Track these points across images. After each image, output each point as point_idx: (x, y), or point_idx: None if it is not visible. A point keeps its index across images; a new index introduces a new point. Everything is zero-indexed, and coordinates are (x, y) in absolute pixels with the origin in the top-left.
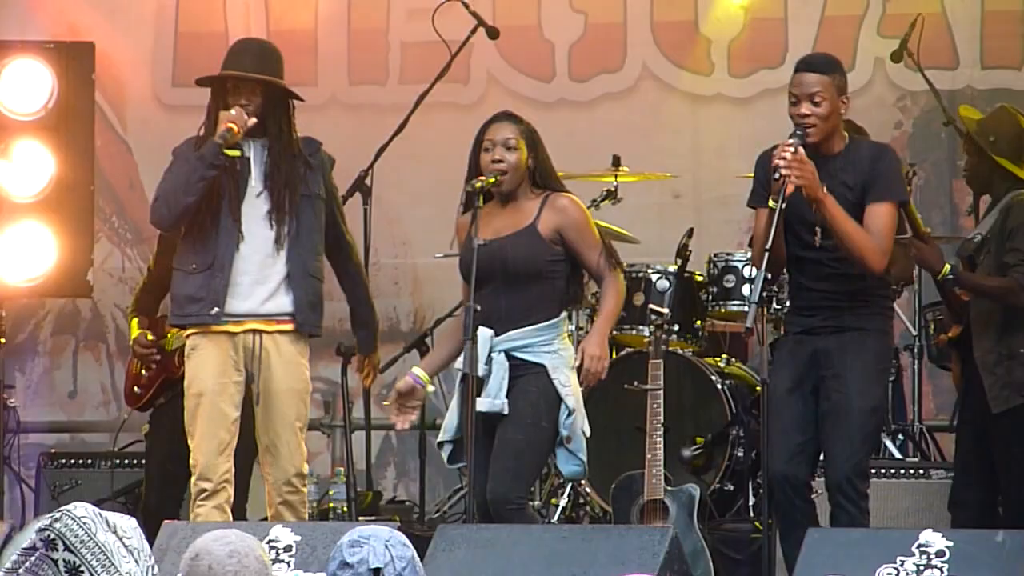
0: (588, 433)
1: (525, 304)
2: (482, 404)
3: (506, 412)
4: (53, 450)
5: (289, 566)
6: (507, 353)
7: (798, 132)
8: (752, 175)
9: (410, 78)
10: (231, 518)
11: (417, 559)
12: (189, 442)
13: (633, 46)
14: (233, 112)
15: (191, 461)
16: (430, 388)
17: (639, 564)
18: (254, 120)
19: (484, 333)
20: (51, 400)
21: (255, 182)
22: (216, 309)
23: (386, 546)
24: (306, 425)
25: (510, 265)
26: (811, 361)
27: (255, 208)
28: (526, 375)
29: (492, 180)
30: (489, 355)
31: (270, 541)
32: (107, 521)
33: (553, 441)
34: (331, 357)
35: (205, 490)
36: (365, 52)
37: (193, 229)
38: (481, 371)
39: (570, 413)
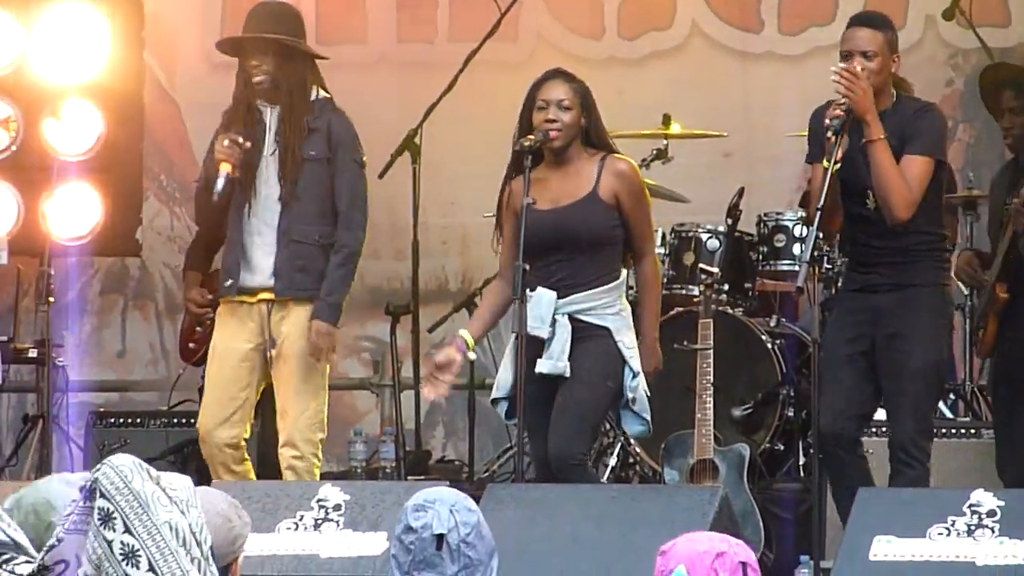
0: (649, 393)
1: (589, 268)
2: (543, 365)
3: (568, 375)
4: (102, 409)
5: (338, 525)
6: (570, 316)
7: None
8: (805, 133)
9: (459, 36)
10: (246, 473)
11: (483, 523)
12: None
13: (683, 4)
14: (225, 144)
15: (197, 423)
16: (471, 356)
17: (688, 524)
18: (248, 144)
19: (547, 295)
20: (100, 359)
21: (268, 147)
22: (230, 281)
23: (451, 511)
24: (320, 388)
25: (576, 235)
26: (869, 319)
27: (268, 178)
28: (591, 337)
29: (537, 140)
30: (553, 317)
31: (319, 500)
32: (149, 472)
33: (616, 401)
34: (380, 316)
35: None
36: (414, 10)
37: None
38: (545, 332)
39: (635, 375)
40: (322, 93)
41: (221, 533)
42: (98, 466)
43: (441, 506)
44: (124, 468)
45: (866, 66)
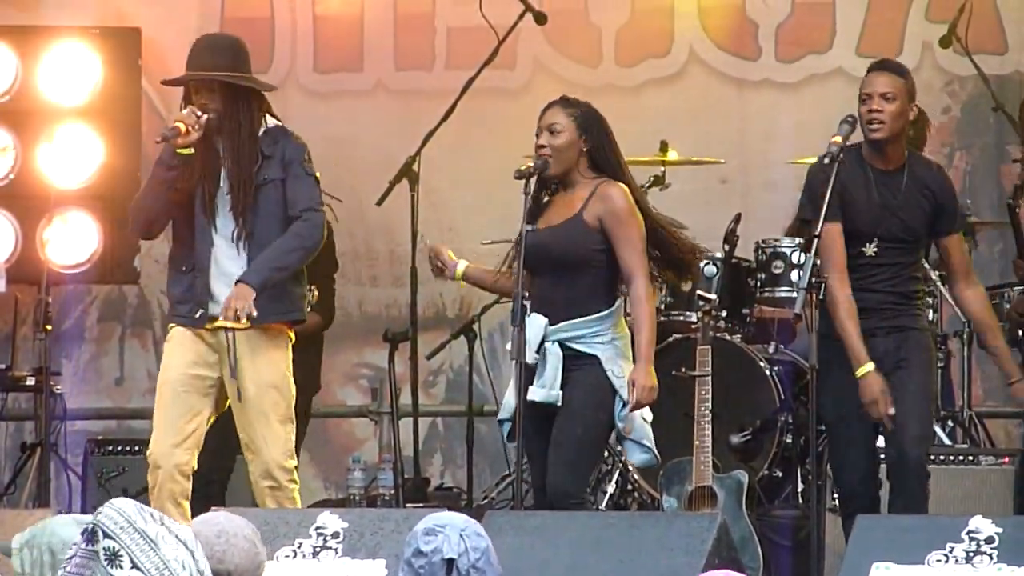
0: (649, 419)
1: (577, 294)
2: (536, 394)
3: (559, 404)
4: (100, 437)
5: (337, 552)
6: (561, 343)
7: (848, 119)
8: (801, 160)
9: (456, 63)
10: (187, 512)
11: (492, 549)
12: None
13: (680, 31)
14: (184, 111)
15: (148, 450)
16: (459, 273)
17: (687, 551)
18: (205, 117)
19: (538, 320)
20: (98, 387)
21: (224, 181)
22: (201, 312)
23: (461, 536)
24: (287, 418)
25: (554, 254)
26: (874, 363)
27: (224, 207)
28: (580, 368)
29: (536, 167)
30: (542, 343)
31: (318, 528)
32: (152, 514)
33: (609, 432)
34: (378, 343)
35: (161, 474)
36: (411, 37)
37: (182, 228)
38: (531, 359)
39: (624, 404)
40: (273, 121)
41: (248, 557)
42: (99, 510)
43: (451, 531)
44: (126, 509)
45: (885, 108)
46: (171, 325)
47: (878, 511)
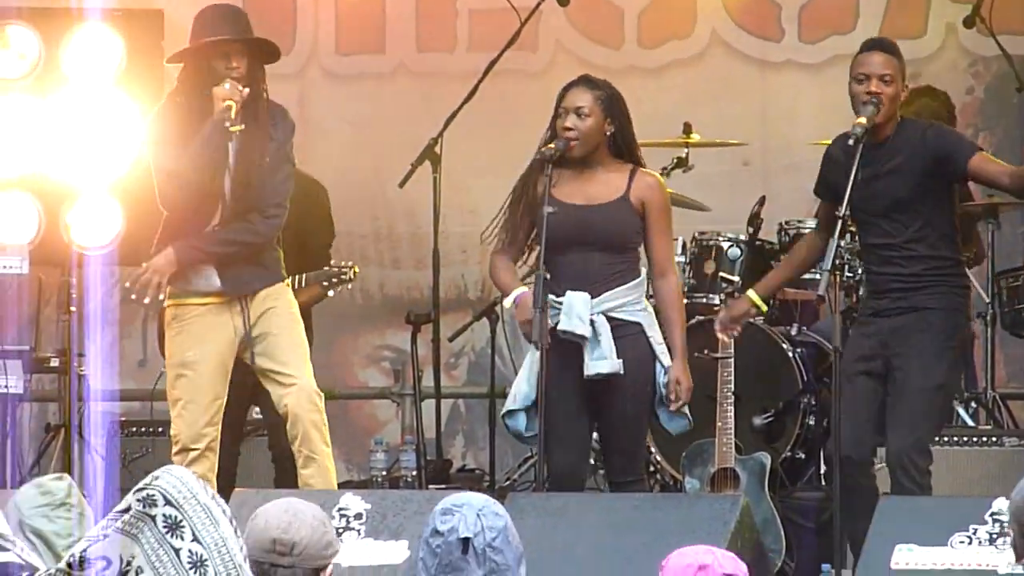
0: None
1: (616, 267)
2: (601, 366)
3: (622, 372)
4: (124, 418)
5: (359, 534)
6: (605, 314)
7: (873, 101)
8: (825, 141)
9: (478, 45)
10: (213, 486)
11: (511, 528)
12: (170, 409)
13: (703, 12)
14: (227, 87)
15: (172, 430)
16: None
17: (709, 532)
18: (247, 90)
19: (580, 296)
20: (122, 368)
21: (232, 150)
22: (215, 279)
23: (478, 515)
24: (307, 350)
25: (605, 234)
26: (881, 343)
27: (231, 177)
28: (625, 336)
29: (558, 149)
30: (590, 318)
31: (340, 509)
32: (207, 487)
33: (653, 402)
34: (400, 325)
35: (193, 455)
36: (433, 19)
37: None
38: (587, 331)
39: (666, 371)
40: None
41: (316, 536)
42: (155, 474)
43: (468, 510)
44: (187, 480)
45: (884, 90)
46: (171, 303)
47: (870, 485)
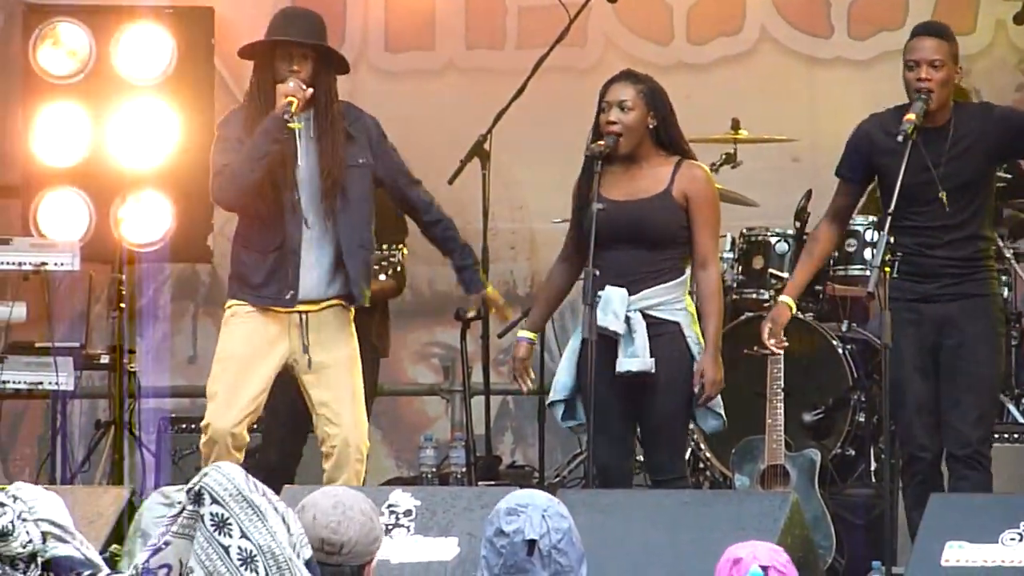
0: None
1: (659, 265)
2: (632, 363)
3: (653, 371)
4: (174, 415)
5: (409, 530)
6: (642, 312)
7: (922, 97)
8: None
9: (527, 42)
10: None
11: (574, 528)
12: (208, 404)
13: (751, 8)
14: (291, 84)
15: (203, 421)
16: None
17: (759, 529)
18: (311, 91)
19: (619, 292)
20: (171, 365)
21: (304, 158)
22: (292, 292)
23: (543, 516)
24: (361, 394)
25: (647, 229)
26: (934, 329)
27: (306, 184)
28: (663, 334)
29: (607, 147)
30: (626, 314)
31: (390, 506)
32: (255, 483)
33: (692, 401)
34: (449, 322)
35: (217, 449)
36: (482, 16)
37: (260, 207)
38: (621, 327)
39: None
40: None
41: (364, 531)
42: (204, 471)
43: (534, 511)
44: (234, 476)
45: (934, 76)
46: (231, 303)
47: (939, 479)
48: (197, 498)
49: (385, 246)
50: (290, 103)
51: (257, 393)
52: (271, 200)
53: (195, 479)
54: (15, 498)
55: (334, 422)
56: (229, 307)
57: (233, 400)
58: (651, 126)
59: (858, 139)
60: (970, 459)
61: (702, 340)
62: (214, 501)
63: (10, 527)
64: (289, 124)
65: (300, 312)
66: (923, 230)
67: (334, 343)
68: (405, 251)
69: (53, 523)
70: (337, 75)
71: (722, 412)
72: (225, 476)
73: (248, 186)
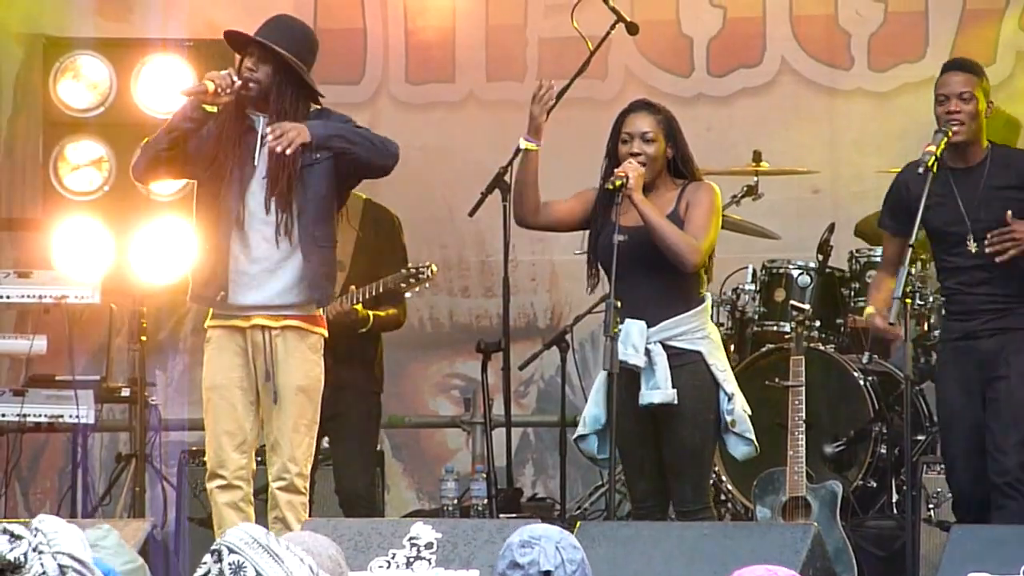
0: (749, 411)
1: (674, 292)
2: (653, 396)
3: (676, 402)
4: (194, 448)
5: (430, 563)
6: (662, 343)
7: (942, 129)
8: (894, 169)
9: (548, 74)
10: (250, 516)
11: (586, 561)
12: (206, 434)
13: (772, 40)
14: (222, 72)
15: (207, 453)
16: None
17: (781, 562)
18: (239, 83)
19: (637, 325)
20: (192, 398)
21: (259, 161)
22: (222, 293)
23: (557, 548)
24: (312, 423)
25: (652, 254)
26: (977, 366)
27: (260, 190)
28: (684, 364)
29: (625, 181)
30: (646, 347)
31: (411, 538)
32: (279, 540)
33: (717, 430)
34: (470, 354)
35: (220, 482)
36: (503, 48)
37: (204, 207)
38: (641, 361)
39: (730, 397)
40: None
41: None
42: (225, 532)
43: (547, 543)
44: (252, 528)
45: (963, 108)
46: (208, 324)
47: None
48: (218, 556)
49: (421, 263)
50: (202, 87)
51: (246, 421)
52: (216, 202)
53: (217, 540)
54: (36, 530)
55: (274, 451)
56: (206, 325)
57: (221, 433)
58: (669, 156)
59: (896, 190)
60: (1008, 486)
61: (727, 367)
62: (231, 551)
63: (22, 559)
64: (203, 106)
65: (261, 328)
66: (962, 270)
67: (291, 368)
68: (434, 269)
69: (72, 557)
70: (310, 99)
71: (753, 439)
72: (242, 529)
73: (154, 158)
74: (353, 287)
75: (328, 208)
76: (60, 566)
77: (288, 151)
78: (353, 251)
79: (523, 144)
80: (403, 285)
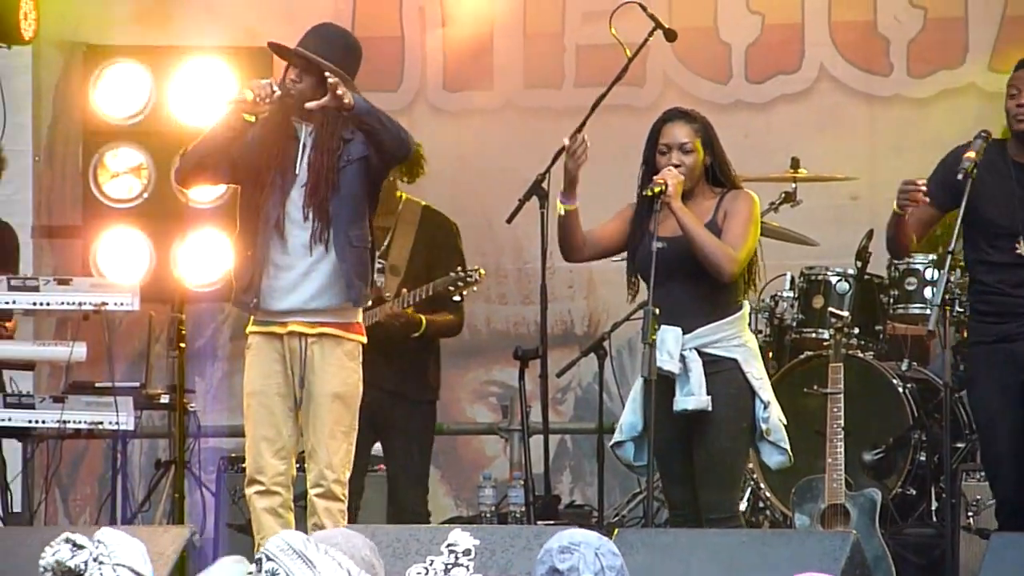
0: (785, 420)
1: (711, 300)
2: (687, 402)
3: (710, 409)
4: (233, 454)
5: (468, 570)
6: (698, 349)
7: (982, 134)
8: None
9: (585, 81)
10: (289, 522)
11: (626, 568)
12: (246, 440)
13: (810, 47)
14: (263, 81)
15: (246, 459)
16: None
17: (820, 569)
18: (278, 93)
19: (673, 331)
20: (231, 404)
21: (301, 170)
22: (255, 299)
23: (596, 554)
24: (350, 430)
25: (689, 263)
26: (1014, 369)
27: (299, 198)
28: (720, 371)
29: (663, 188)
30: (681, 354)
31: (449, 545)
32: (316, 544)
33: (752, 438)
34: (508, 361)
35: (259, 487)
36: (540, 56)
37: (246, 213)
38: (676, 367)
39: (766, 406)
40: None
41: None
42: (267, 540)
43: (587, 549)
44: (290, 536)
45: None
46: (248, 331)
47: None
48: (259, 565)
49: (470, 267)
50: (244, 94)
51: (285, 426)
52: (257, 208)
53: (260, 549)
54: (98, 542)
55: (311, 458)
56: (247, 335)
57: (260, 439)
58: (707, 163)
59: (949, 166)
60: None
61: (764, 375)
62: (269, 559)
63: (83, 567)
64: (244, 116)
65: (297, 335)
66: (1003, 267)
67: (328, 375)
68: (482, 272)
69: (132, 570)
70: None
71: (787, 448)
72: (280, 537)
73: (197, 164)
74: (404, 290)
75: (361, 209)
76: None
77: (345, 100)
78: (409, 256)
79: (561, 209)
80: (451, 288)
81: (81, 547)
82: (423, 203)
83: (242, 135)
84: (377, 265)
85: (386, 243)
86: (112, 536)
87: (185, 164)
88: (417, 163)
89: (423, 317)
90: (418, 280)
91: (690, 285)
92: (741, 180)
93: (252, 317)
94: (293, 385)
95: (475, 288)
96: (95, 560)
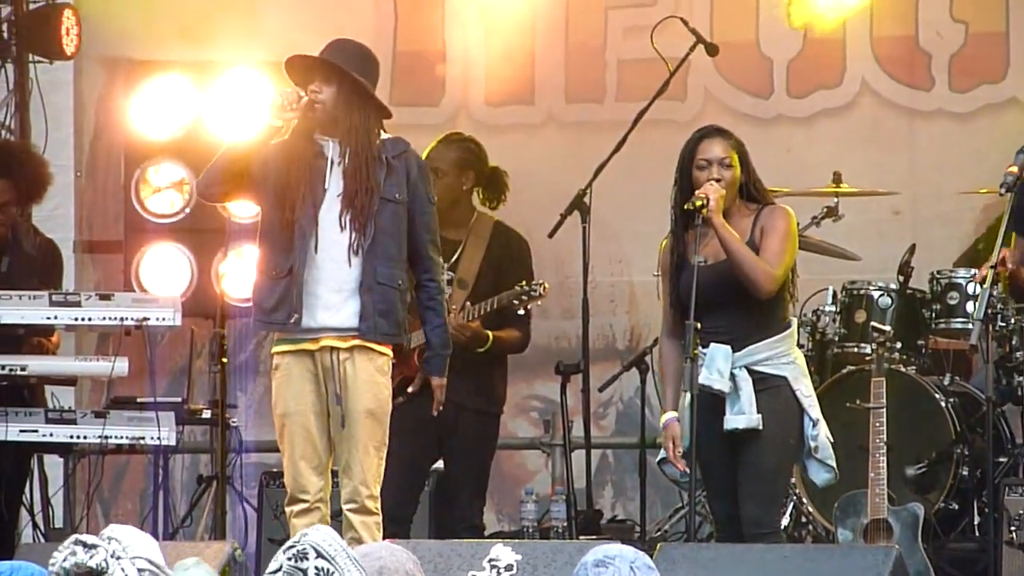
0: (832, 438)
1: (759, 318)
2: (738, 421)
3: (761, 427)
4: (275, 469)
5: None
6: (748, 368)
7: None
8: (978, 191)
9: (627, 95)
10: None
11: None
12: (283, 460)
13: (852, 61)
14: (288, 89)
15: (285, 479)
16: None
17: None
18: (305, 99)
19: (723, 349)
20: (272, 420)
21: (331, 184)
22: (296, 316)
23: (632, 568)
24: (381, 445)
25: (733, 287)
26: None
27: (332, 211)
28: (768, 389)
29: (703, 202)
30: (731, 372)
31: (491, 560)
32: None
33: (798, 454)
34: (550, 375)
35: (302, 506)
36: (582, 70)
37: (272, 230)
38: (726, 386)
39: (815, 423)
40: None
41: None
42: (305, 531)
43: (622, 562)
44: (336, 536)
45: None
46: (274, 350)
47: None
48: (299, 555)
49: (535, 282)
50: (273, 103)
51: (322, 443)
52: (286, 223)
53: (295, 538)
54: (110, 539)
55: (345, 473)
56: (272, 355)
57: (299, 458)
58: (743, 181)
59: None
60: None
61: (812, 393)
62: (319, 556)
63: (104, 565)
64: (272, 121)
65: (330, 350)
66: None
67: (360, 391)
68: (546, 286)
69: (150, 561)
70: (379, 115)
71: (834, 465)
72: (328, 534)
73: (219, 173)
74: (468, 303)
75: (396, 249)
76: (139, 570)
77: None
78: (479, 270)
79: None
80: (516, 302)
81: (94, 546)
82: (495, 218)
83: (266, 140)
84: (446, 277)
85: (456, 256)
86: (122, 531)
87: (206, 175)
88: (500, 189)
89: (490, 333)
90: (485, 295)
91: (738, 303)
92: (783, 194)
93: (277, 336)
94: (327, 402)
95: (539, 303)
96: (113, 556)
